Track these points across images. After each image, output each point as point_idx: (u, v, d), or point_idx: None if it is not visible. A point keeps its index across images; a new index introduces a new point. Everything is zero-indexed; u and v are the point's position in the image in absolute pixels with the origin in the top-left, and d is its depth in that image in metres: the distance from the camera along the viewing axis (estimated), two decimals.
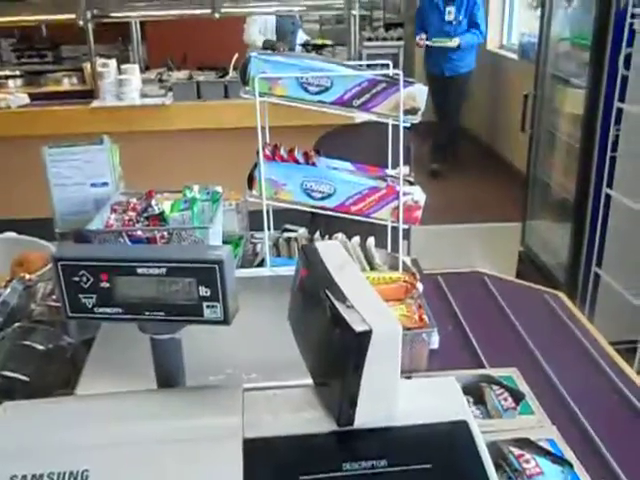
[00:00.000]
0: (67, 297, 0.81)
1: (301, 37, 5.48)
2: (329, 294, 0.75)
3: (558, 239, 3.71)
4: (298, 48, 5.10)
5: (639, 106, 2.88)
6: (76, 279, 0.80)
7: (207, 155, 3.91)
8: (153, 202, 1.68)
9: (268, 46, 5.21)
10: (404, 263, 1.60)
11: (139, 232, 1.56)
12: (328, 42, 5.05)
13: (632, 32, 2.89)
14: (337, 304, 0.73)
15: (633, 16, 2.88)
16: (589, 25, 3.19)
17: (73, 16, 4.05)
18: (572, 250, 3.46)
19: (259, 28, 5.28)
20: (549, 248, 3.89)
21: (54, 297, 1.37)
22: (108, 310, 0.80)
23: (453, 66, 5.96)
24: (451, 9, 5.92)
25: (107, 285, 0.79)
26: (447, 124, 6.13)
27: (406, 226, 1.54)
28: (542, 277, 3.76)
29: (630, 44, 2.91)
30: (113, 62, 4.21)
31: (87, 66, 4.46)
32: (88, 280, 0.80)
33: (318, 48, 4.93)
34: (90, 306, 0.80)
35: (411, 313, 1.40)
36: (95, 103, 4.06)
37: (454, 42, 5.89)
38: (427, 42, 6.04)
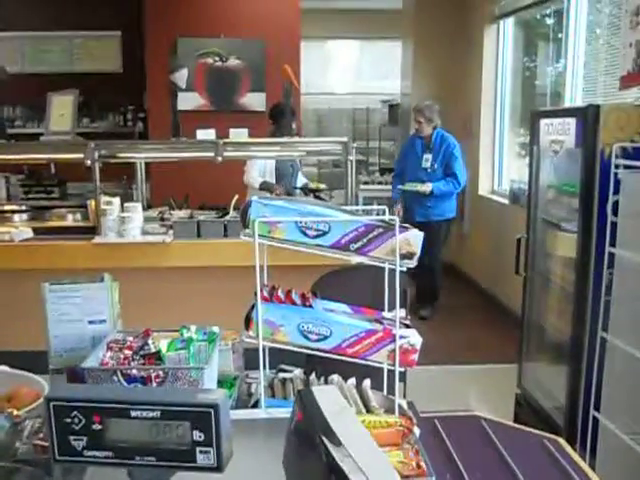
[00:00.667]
0: (57, 438, 0.80)
1: (300, 179, 5.64)
2: (325, 440, 0.74)
3: (555, 382, 3.66)
4: (297, 191, 5.23)
5: (631, 250, 2.93)
6: (68, 420, 0.79)
7: (205, 293, 3.93)
8: (150, 341, 1.68)
9: (265, 187, 5.35)
10: (400, 406, 1.57)
11: (134, 371, 1.54)
12: (322, 186, 5.19)
13: (618, 181, 3.00)
14: (333, 451, 0.72)
15: (617, 166, 2.99)
16: (576, 173, 3.31)
17: (81, 156, 4.17)
18: (569, 393, 3.40)
19: (259, 170, 5.44)
20: (546, 391, 3.83)
21: (41, 435, 1.34)
22: (98, 454, 0.79)
23: (426, 212, 5.95)
24: (428, 157, 6.05)
25: (99, 427, 0.78)
26: (426, 271, 6.07)
27: (402, 369, 1.53)
28: (540, 420, 3.67)
29: (616, 192, 3.00)
30: (117, 200, 4.31)
31: (91, 203, 4.57)
32: (80, 421, 0.79)
33: (316, 191, 5.07)
34: (80, 448, 0.79)
35: (408, 460, 1.36)
36: (97, 239, 4.12)
37: (426, 187, 5.92)
38: (399, 186, 6.19)
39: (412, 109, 6.45)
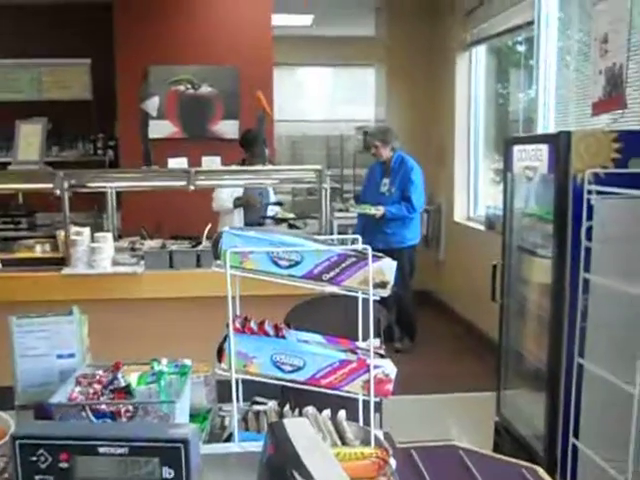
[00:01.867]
0: (22, 479, 0.79)
1: (272, 209, 5.63)
2: (295, 474, 0.74)
3: (534, 409, 3.68)
4: (268, 221, 5.23)
5: (605, 276, 2.97)
6: (34, 459, 0.78)
7: (177, 324, 3.91)
8: (119, 374, 1.67)
9: (240, 203, 5.32)
10: (376, 437, 1.58)
11: (103, 406, 1.53)
12: (289, 215, 5.21)
13: (591, 207, 3.05)
14: None
15: (590, 192, 3.05)
16: (550, 199, 3.36)
17: (50, 185, 4.16)
18: (548, 421, 3.42)
19: (226, 196, 5.41)
20: (525, 418, 3.85)
21: (6, 475, 1.32)
22: None
23: (385, 239, 5.87)
24: (386, 181, 6.06)
25: (66, 466, 0.78)
26: (395, 300, 6.04)
27: (377, 399, 1.54)
28: (520, 448, 3.68)
29: (590, 218, 3.05)
30: (87, 230, 4.28)
31: (61, 233, 4.53)
32: (46, 460, 0.78)
33: (283, 221, 5.08)
34: None
35: None
36: (66, 270, 4.09)
37: (377, 211, 5.88)
38: (351, 208, 6.21)
39: (367, 135, 6.52)
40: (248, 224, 5.05)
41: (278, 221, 5.15)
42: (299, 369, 1.52)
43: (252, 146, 5.36)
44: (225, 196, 5.37)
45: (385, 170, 6.10)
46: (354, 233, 6.25)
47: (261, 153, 5.26)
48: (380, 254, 1.55)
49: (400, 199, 5.95)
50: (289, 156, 11.13)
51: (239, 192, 5.40)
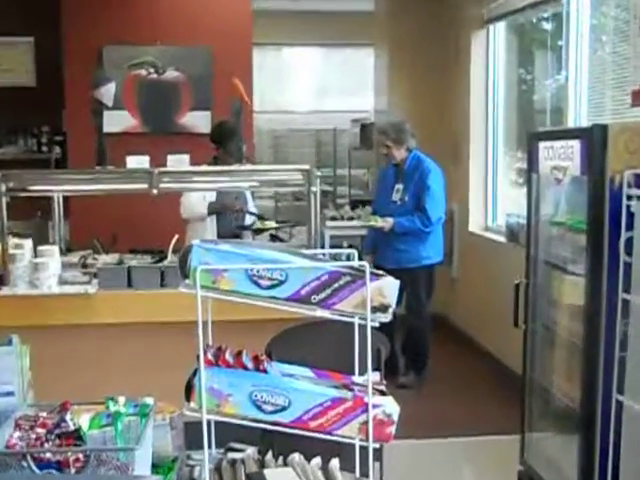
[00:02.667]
0: None
1: (250, 216, 5.61)
2: None
3: (565, 455, 3.68)
4: (246, 232, 5.22)
5: None
6: None
7: (137, 355, 3.90)
8: (68, 416, 1.67)
9: (216, 209, 5.30)
10: None
11: (48, 454, 1.53)
12: (270, 224, 5.18)
13: (631, 214, 3.06)
14: None
15: (630, 197, 3.06)
16: (582, 205, 3.38)
17: None
18: (582, 469, 3.43)
19: (202, 197, 5.38)
20: (554, 466, 3.86)
21: None
22: None
23: (397, 257, 5.80)
24: (399, 187, 5.95)
25: None
26: (409, 328, 5.98)
27: (377, 445, 1.55)
28: None
29: (630, 227, 3.06)
30: (28, 242, 4.27)
31: None
32: None
33: (262, 231, 5.05)
34: None
35: None
36: (4, 290, 4.07)
37: (385, 223, 5.81)
38: (355, 220, 6.19)
39: (376, 132, 6.49)
40: (222, 236, 5.05)
41: (258, 232, 5.14)
42: (283, 409, 1.53)
43: (226, 142, 5.36)
44: (195, 200, 5.35)
45: (398, 174, 6.03)
46: (363, 250, 6.25)
47: (237, 150, 5.26)
48: (380, 272, 1.56)
49: (414, 209, 5.85)
50: (271, 154, 11.16)
51: (212, 197, 5.39)
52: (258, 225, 5.22)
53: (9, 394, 1.75)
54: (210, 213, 5.31)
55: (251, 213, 5.46)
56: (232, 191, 5.39)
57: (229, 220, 5.36)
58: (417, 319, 5.94)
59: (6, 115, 7.32)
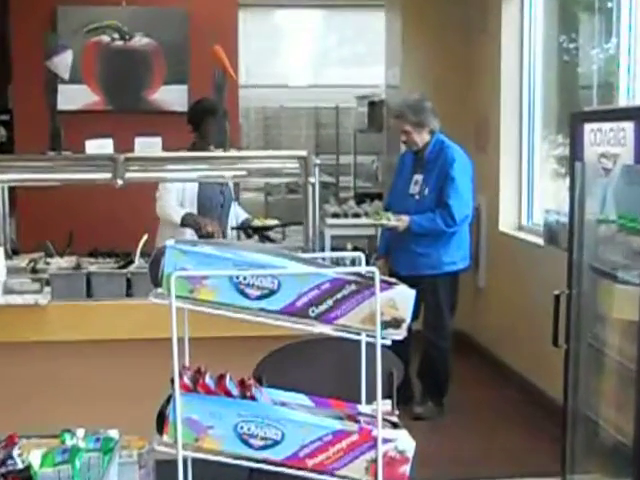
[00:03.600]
0: None
1: (237, 213, 5.62)
2: None
3: None
4: (232, 232, 5.23)
5: None
6: None
7: (99, 379, 3.90)
8: (15, 452, 1.67)
9: (189, 223, 5.32)
10: None
11: None
12: (271, 222, 5.19)
13: None
14: None
15: None
16: (637, 201, 3.39)
17: None
18: None
19: (176, 197, 5.39)
20: None
21: None
22: None
23: (414, 263, 5.79)
24: (418, 178, 5.94)
25: None
26: (429, 349, 5.99)
27: None
28: None
29: None
30: None
31: None
32: None
33: (263, 229, 5.06)
34: None
35: None
36: None
37: (399, 222, 5.75)
38: (369, 220, 6.20)
39: (391, 115, 6.46)
40: (203, 235, 5.05)
41: (248, 232, 5.15)
42: (275, 444, 1.53)
43: (203, 123, 5.37)
44: (173, 202, 5.34)
45: (417, 162, 6.02)
46: (376, 252, 6.22)
47: (218, 134, 5.26)
48: (392, 280, 1.56)
49: (435, 205, 5.82)
50: (261, 137, 11.17)
51: (193, 189, 5.40)
52: (256, 223, 5.23)
53: None
54: (183, 225, 5.29)
55: (240, 227, 5.44)
56: (216, 183, 5.40)
57: (214, 217, 5.36)
58: (437, 337, 5.93)
59: None
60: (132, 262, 4.33)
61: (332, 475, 1.56)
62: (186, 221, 5.29)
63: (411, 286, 1.58)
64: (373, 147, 9.66)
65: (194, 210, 5.37)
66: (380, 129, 8.99)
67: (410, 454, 1.56)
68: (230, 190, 5.60)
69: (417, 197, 5.89)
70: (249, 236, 5.15)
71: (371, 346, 1.56)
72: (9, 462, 1.66)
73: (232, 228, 5.31)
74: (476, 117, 7.73)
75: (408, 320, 1.55)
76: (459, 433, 5.79)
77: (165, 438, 1.54)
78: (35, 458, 1.67)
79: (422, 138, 5.90)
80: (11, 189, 5.22)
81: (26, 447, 1.72)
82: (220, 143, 5.17)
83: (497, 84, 7.35)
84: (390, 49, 8.91)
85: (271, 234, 5.10)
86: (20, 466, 1.65)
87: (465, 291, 6.82)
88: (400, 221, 5.76)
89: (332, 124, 10.90)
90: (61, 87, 4.75)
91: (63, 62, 4.78)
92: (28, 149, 6.06)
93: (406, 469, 1.56)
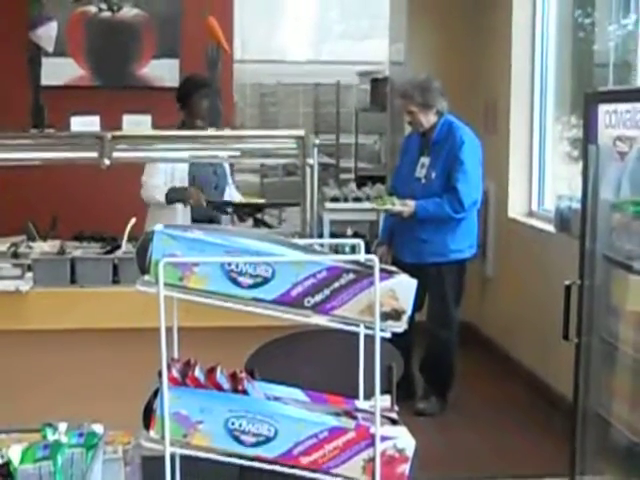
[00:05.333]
0: None
1: (232, 196, 5.62)
2: None
3: None
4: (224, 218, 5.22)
5: None
6: None
7: (83, 370, 3.91)
8: None
9: (176, 198, 5.29)
10: None
11: None
12: (259, 201, 5.18)
13: None
14: None
15: None
16: None
17: None
18: None
19: (164, 180, 5.38)
20: None
21: None
22: None
23: (418, 250, 5.81)
24: (425, 161, 5.96)
25: None
26: (433, 341, 6.01)
27: None
28: None
29: None
30: None
31: None
32: None
33: (255, 211, 5.06)
34: None
35: None
36: None
37: (404, 206, 5.78)
38: (372, 204, 6.21)
39: (397, 95, 6.44)
40: (196, 220, 5.05)
41: (239, 213, 5.14)
42: (267, 441, 1.54)
43: (194, 101, 5.36)
44: (159, 181, 5.34)
45: (424, 144, 6.02)
46: (377, 238, 6.22)
47: (210, 111, 5.25)
48: (392, 268, 1.57)
49: (442, 189, 5.83)
50: (256, 115, 11.16)
51: (181, 177, 5.38)
52: (247, 200, 5.21)
53: None
54: (170, 202, 5.28)
55: (224, 203, 5.42)
56: (208, 162, 5.39)
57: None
58: (442, 328, 5.94)
59: None
60: (119, 247, 4.33)
61: (327, 474, 1.57)
62: (172, 197, 5.28)
63: (415, 275, 1.58)
64: (375, 127, 9.66)
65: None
66: (383, 108, 8.99)
67: (410, 453, 1.56)
68: (225, 170, 5.59)
69: (423, 181, 5.90)
70: (242, 220, 5.14)
71: (370, 338, 1.57)
72: None
73: (208, 202, 5.26)
74: (485, 96, 7.73)
75: (409, 311, 1.56)
76: (463, 430, 5.80)
77: (152, 434, 1.55)
78: (14, 453, 1.68)
79: (428, 119, 5.90)
80: None
81: (5, 442, 1.72)
82: (211, 122, 5.17)
83: (508, 61, 7.34)
84: (394, 23, 8.89)
85: (267, 218, 5.10)
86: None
87: (472, 280, 6.83)
88: (405, 206, 5.76)
89: (332, 102, 10.87)
90: (45, 60, 4.74)
91: (47, 34, 4.77)
92: (8, 127, 6.06)
93: (405, 468, 1.56)
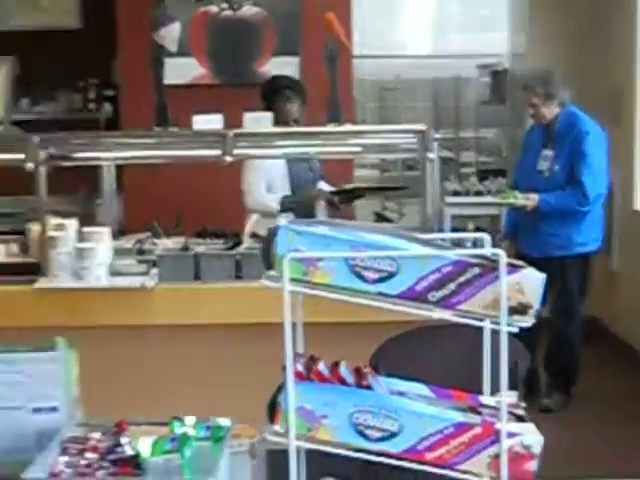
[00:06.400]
0: None
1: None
2: None
3: None
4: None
5: None
6: None
7: (208, 365, 3.96)
8: (124, 439, 1.71)
9: (293, 205, 5.28)
10: None
11: None
12: (361, 185, 5.14)
13: None
14: None
15: None
16: None
17: (21, 156, 4.24)
18: None
19: (265, 179, 5.31)
20: None
21: None
22: None
23: (542, 244, 5.74)
24: (548, 153, 5.88)
25: None
26: (557, 336, 5.94)
27: None
28: None
29: None
30: (72, 223, 4.35)
31: (33, 228, 4.63)
32: None
33: (353, 192, 5.00)
34: None
35: None
36: (41, 282, 4.17)
37: (526, 201, 5.69)
38: (495, 198, 6.15)
39: (521, 87, 6.37)
40: (303, 215, 5.03)
41: (349, 197, 5.13)
42: (392, 436, 1.53)
43: (277, 103, 5.30)
44: (258, 187, 5.26)
45: (547, 136, 5.96)
46: (499, 233, 6.18)
47: (281, 112, 5.17)
48: (519, 262, 1.55)
49: (566, 182, 5.76)
50: (376, 111, 11.14)
51: (281, 175, 5.36)
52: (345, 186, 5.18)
53: (53, 410, 1.80)
54: (283, 210, 5.24)
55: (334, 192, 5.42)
56: (302, 159, 5.38)
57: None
58: (567, 324, 5.86)
59: (44, 65, 7.44)
60: (241, 243, 4.38)
61: (452, 470, 1.56)
62: (287, 205, 5.28)
63: (540, 269, 1.55)
64: (496, 120, 9.56)
65: (287, 192, 5.34)
66: (503, 101, 8.90)
67: (537, 450, 1.54)
68: (317, 165, 5.59)
69: (546, 174, 5.82)
70: (338, 208, 5.11)
71: (495, 334, 1.55)
72: (118, 449, 1.70)
73: (331, 192, 5.26)
74: (610, 86, 7.58)
75: (536, 306, 1.54)
76: (586, 427, 5.71)
77: (276, 428, 1.56)
78: (144, 446, 1.70)
79: (551, 111, 5.82)
80: (118, 167, 5.30)
81: (135, 434, 1.76)
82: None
83: (633, 50, 7.18)
84: (516, 13, 8.79)
85: (387, 213, 5.09)
86: (129, 453, 1.69)
87: (597, 275, 6.71)
88: (529, 200, 5.69)
89: (451, 96, 10.79)
90: (168, 60, 4.82)
91: (170, 34, 4.85)
92: (134, 126, 6.18)
93: (532, 466, 1.54)
